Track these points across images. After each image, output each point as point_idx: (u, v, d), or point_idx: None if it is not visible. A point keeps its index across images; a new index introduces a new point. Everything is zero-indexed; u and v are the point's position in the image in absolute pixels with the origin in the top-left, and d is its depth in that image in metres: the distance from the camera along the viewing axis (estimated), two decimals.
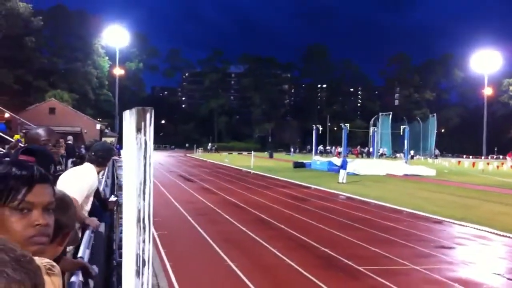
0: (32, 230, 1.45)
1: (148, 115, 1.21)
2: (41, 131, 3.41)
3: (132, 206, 1.21)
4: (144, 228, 1.21)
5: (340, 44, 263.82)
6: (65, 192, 2.23)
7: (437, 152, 75.04)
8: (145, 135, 1.21)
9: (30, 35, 68.91)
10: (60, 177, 4.43)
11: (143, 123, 1.21)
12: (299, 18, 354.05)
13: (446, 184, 28.60)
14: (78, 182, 4.44)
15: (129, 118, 1.24)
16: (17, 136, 15.22)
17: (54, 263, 1.61)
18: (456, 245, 11.53)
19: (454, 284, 8.19)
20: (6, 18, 54.86)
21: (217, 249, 10.36)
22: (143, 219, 1.21)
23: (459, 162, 48.82)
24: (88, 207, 4.51)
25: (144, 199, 1.21)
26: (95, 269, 2.69)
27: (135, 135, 1.20)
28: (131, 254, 1.21)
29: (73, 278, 2.19)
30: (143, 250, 1.21)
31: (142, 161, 1.21)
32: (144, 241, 1.21)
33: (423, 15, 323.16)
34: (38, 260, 1.17)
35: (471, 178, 33.39)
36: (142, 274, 1.22)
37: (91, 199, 4.66)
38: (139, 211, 1.21)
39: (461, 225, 14.24)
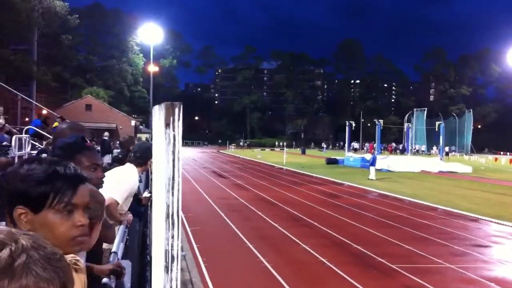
0: (76, 231, 1.45)
1: (176, 110, 1.20)
2: (70, 128, 3.32)
3: (161, 201, 1.20)
4: (173, 224, 1.21)
5: (374, 39, 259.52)
6: None
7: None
8: (173, 130, 1.20)
9: (67, 33, 70.14)
10: None
11: (171, 118, 1.19)
12: (332, 13, 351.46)
13: (483, 181, 28.04)
14: (119, 184, 4.37)
15: (158, 113, 1.23)
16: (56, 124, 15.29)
17: (79, 258, 1.61)
18: (493, 244, 11.29)
19: (490, 284, 8.03)
20: (43, 16, 55.84)
21: (250, 245, 10.38)
22: (172, 214, 1.20)
23: (496, 159, 47.72)
24: (127, 208, 4.49)
25: (173, 195, 1.20)
26: (127, 263, 2.69)
27: (164, 130, 1.20)
28: (160, 250, 1.21)
29: (105, 280, 2.20)
30: (172, 246, 1.20)
31: (171, 156, 1.20)
32: (173, 237, 1.21)
33: (459, 9, 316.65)
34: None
35: (508, 175, 32.64)
36: (171, 270, 1.21)
37: (130, 199, 4.64)
38: (168, 206, 1.20)
39: (497, 223, 13.96)
